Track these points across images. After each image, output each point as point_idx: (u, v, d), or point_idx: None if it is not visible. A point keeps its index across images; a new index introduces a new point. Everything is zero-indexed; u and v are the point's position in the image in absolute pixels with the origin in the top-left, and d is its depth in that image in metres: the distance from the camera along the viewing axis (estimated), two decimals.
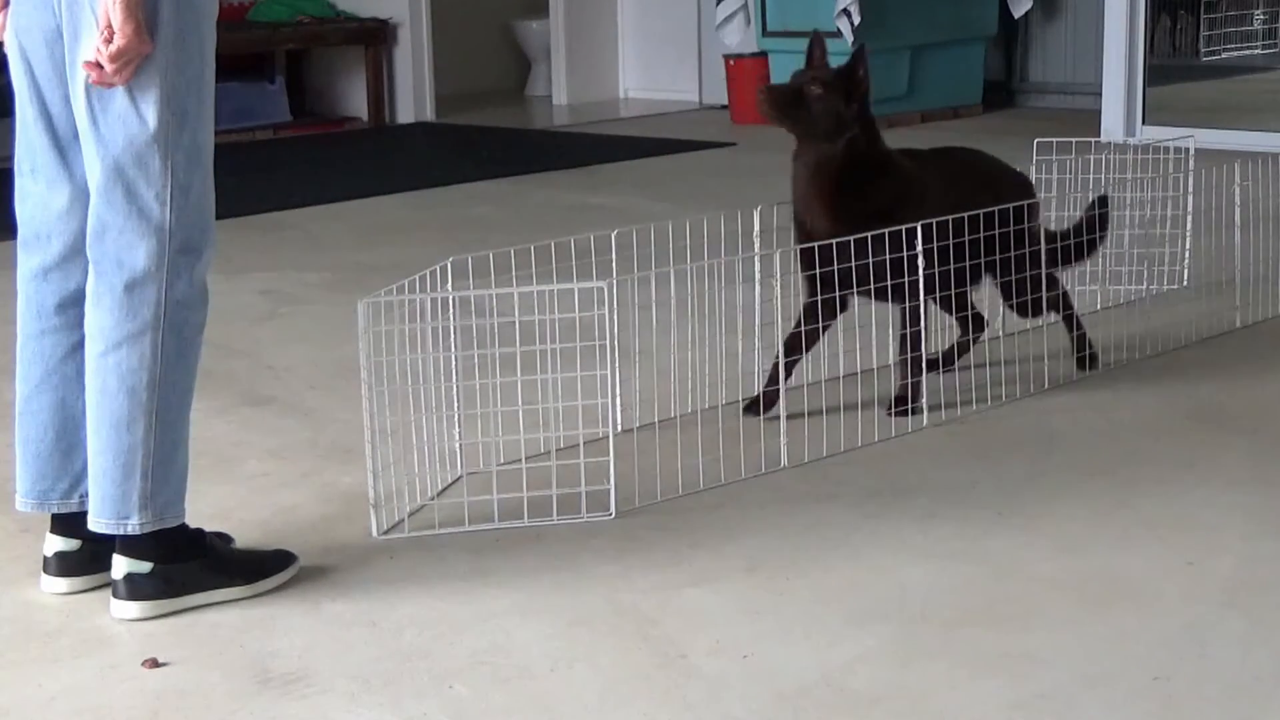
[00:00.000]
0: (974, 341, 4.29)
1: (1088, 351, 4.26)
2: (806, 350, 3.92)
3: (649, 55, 10.90)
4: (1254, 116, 8.46)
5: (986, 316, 4.29)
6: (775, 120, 3.82)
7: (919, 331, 3.86)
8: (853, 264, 3.78)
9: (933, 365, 4.12)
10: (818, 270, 3.80)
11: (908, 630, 2.78)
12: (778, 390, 3.79)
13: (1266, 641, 2.71)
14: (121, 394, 2.81)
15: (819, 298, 3.87)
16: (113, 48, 2.70)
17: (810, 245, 3.80)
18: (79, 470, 2.94)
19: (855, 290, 3.84)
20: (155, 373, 2.82)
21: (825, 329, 3.92)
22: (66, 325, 2.93)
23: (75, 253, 2.89)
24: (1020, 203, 4.04)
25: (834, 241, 3.77)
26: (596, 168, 8.05)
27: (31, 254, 2.94)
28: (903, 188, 3.92)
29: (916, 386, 3.89)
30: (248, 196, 7.01)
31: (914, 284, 3.79)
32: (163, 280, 2.81)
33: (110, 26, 2.70)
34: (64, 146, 2.88)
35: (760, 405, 3.84)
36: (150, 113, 2.77)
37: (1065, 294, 4.26)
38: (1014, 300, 4.12)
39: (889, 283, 3.78)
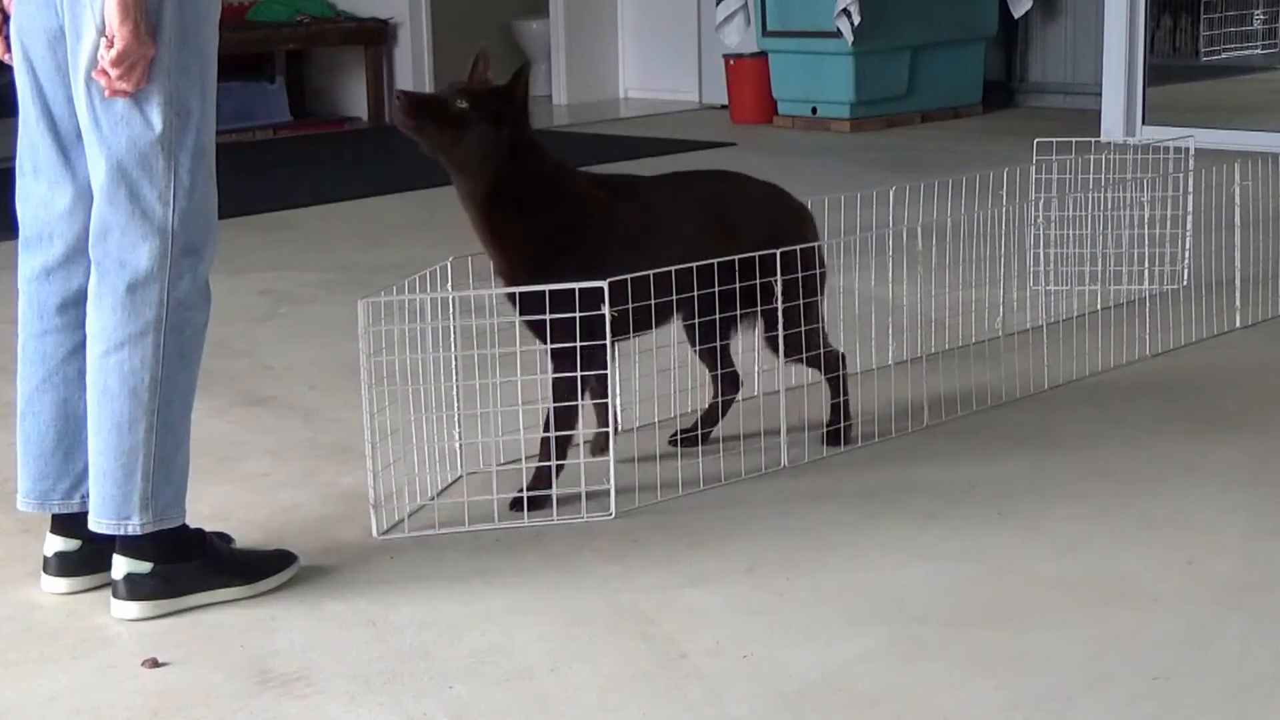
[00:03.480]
0: (729, 402, 3.76)
1: (842, 424, 3.71)
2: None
3: (649, 55, 10.90)
4: (1254, 116, 8.46)
5: (742, 375, 3.76)
6: (413, 134, 3.29)
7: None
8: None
9: (690, 440, 3.67)
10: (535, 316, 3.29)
11: (908, 630, 2.78)
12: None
13: (1266, 641, 2.71)
14: (123, 395, 2.81)
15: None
16: (113, 52, 2.70)
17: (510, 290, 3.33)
18: (80, 471, 2.94)
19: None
20: (157, 373, 2.82)
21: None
22: (68, 326, 2.93)
23: (77, 253, 2.89)
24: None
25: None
26: (596, 168, 8.04)
27: (33, 254, 2.94)
28: (577, 217, 3.37)
29: (543, 473, 3.36)
30: (248, 196, 7.01)
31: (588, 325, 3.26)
32: (165, 281, 2.81)
33: (111, 32, 2.70)
34: (66, 146, 2.88)
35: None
36: (154, 113, 2.77)
37: (840, 354, 3.75)
38: (779, 334, 3.55)
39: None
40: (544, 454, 3.37)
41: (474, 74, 3.37)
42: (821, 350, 3.67)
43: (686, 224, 3.52)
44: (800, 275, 3.53)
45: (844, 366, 3.74)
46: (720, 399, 3.75)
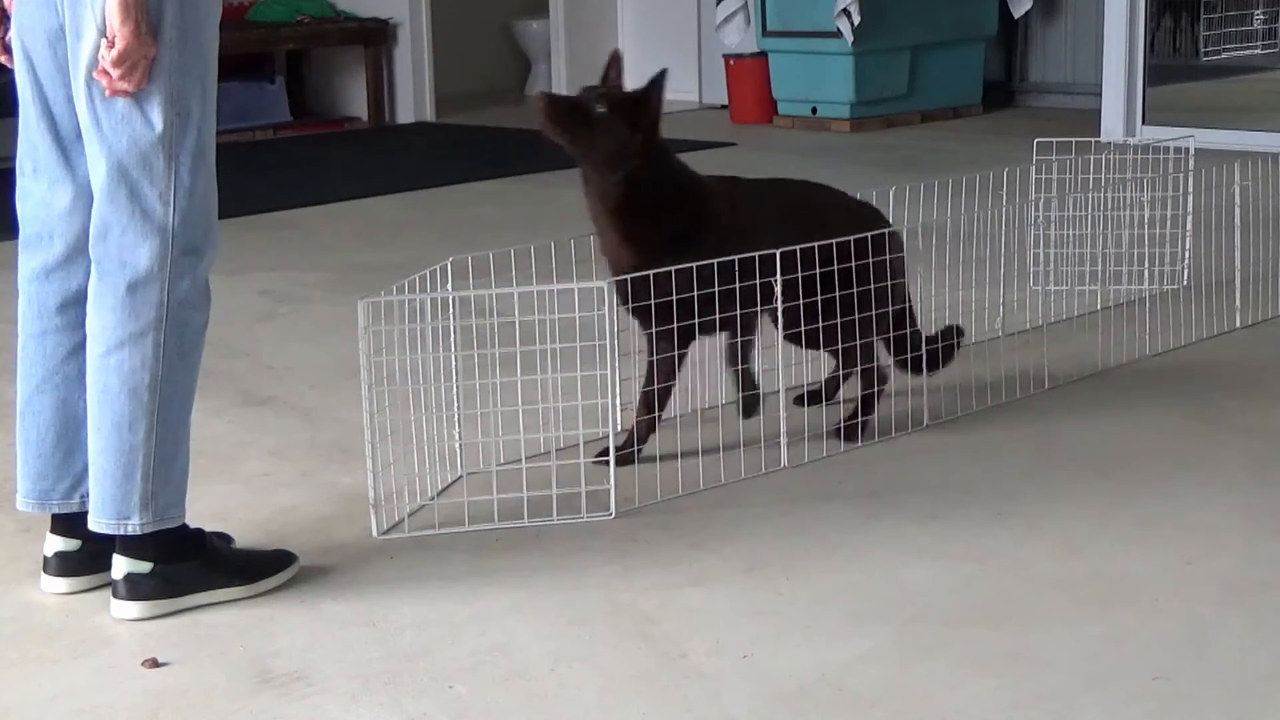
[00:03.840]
0: (844, 377, 3.90)
1: (859, 421, 3.76)
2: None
3: (649, 55, 10.86)
4: (1254, 116, 8.46)
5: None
6: (552, 135, 3.42)
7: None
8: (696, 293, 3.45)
9: (814, 398, 3.95)
10: (652, 305, 3.47)
11: (908, 630, 2.78)
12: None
13: (1266, 641, 2.71)
14: (123, 394, 2.81)
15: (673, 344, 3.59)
16: (114, 52, 2.70)
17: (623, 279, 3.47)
18: (80, 471, 2.94)
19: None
20: (157, 373, 2.82)
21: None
22: (68, 325, 2.93)
23: (77, 253, 2.89)
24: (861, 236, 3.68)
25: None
26: None
27: (33, 254, 2.94)
28: (699, 210, 3.56)
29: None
30: (248, 196, 7.01)
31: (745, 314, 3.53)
32: (165, 281, 2.81)
33: (112, 32, 2.70)
34: (66, 146, 2.88)
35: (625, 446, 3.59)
36: (155, 113, 2.77)
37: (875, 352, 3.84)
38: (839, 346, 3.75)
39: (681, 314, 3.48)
40: (643, 409, 3.60)
41: (607, 77, 3.58)
42: (876, 364, 3.80)
43: (797, 229, 3.62)
44: (873, 287, 3.67)
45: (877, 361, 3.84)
46: (841, 373, 3.89)
